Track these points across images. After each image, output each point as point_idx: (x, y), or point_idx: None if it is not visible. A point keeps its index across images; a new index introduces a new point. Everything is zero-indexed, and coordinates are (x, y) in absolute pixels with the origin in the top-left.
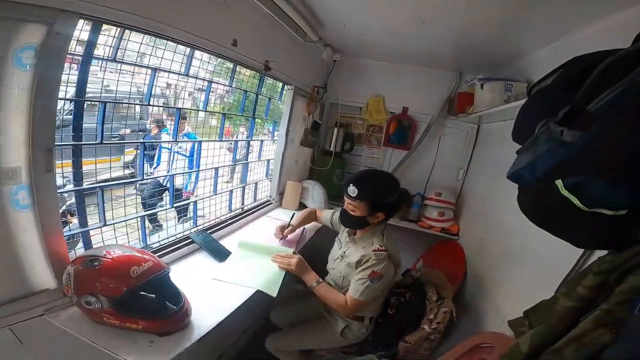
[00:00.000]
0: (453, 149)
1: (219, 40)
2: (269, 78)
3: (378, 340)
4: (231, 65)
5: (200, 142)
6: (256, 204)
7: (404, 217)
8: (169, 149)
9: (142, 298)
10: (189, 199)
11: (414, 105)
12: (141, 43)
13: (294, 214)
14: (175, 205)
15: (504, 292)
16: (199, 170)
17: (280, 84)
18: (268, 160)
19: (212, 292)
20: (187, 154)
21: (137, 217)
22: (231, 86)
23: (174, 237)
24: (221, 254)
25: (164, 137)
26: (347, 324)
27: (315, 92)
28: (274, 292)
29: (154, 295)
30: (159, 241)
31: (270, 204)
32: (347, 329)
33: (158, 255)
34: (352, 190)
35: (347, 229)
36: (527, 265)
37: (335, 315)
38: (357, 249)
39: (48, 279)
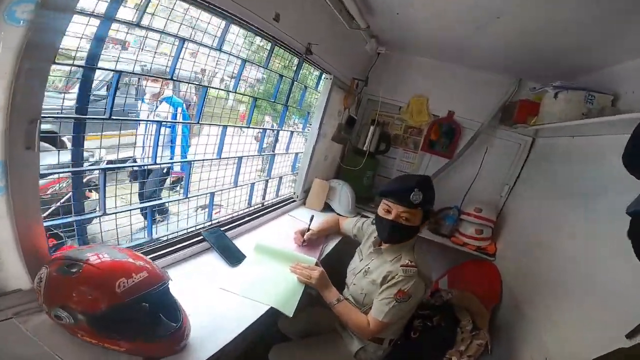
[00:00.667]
0: (500, 162)
1: (260, 12)
2: (304, 68)
3: None
4: (264, 52)
5: (225, 126)
6: (278, 199)
7: (436, 230)
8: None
9: (129, 315)
10: (180, 180)
11: (461, 109)
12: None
13: (312, 216)
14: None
15: (550, 326)
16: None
17: (316, 74)
18: (296, 154)
19: (218, 306)
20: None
21: (138, 208)
22: (266, 67)
23: (184, 232)
24: (234, 258)
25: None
26: (363, 345)
27: (355, 85)
28: (290, 311)
29: (145, 310)
30: (166, 235)
31: (294, 201)
32: (362, 351)
33: (163, 252)
34: (417, 196)
35: (372, 239)
36: (588, 301)
37: (350, 333)
38: (383, 263)
39: (22, 277)
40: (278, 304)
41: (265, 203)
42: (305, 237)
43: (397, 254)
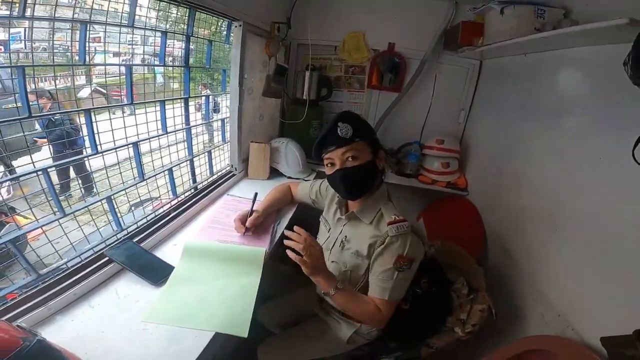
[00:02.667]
0: (451, 89)
1: None
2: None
3: (389, 338)
4: None
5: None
6: (214, 178)
7: (400, 172)
8: None
9: None
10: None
11: (402, 40)
12: None
13: (256, 194)
14: None
15: (547, 273)
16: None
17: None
18: (222, 120)
19: (145, 347)
20: None
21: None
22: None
23: (76, 258)
24: (156, 274)
25: None
26: (355, 329)
27: (276, 30)
28: (243, 331)
29: None
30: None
31: (233, 175)
32: (355, 334)
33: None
34: (345, 128)
35: (336, 202)
36: (579, 237)
37: (336, 318)
38: (361, 228)
39: None
40: (225, 326)
41: (198, 186)
42: (247, 224)
43: (374, 211)
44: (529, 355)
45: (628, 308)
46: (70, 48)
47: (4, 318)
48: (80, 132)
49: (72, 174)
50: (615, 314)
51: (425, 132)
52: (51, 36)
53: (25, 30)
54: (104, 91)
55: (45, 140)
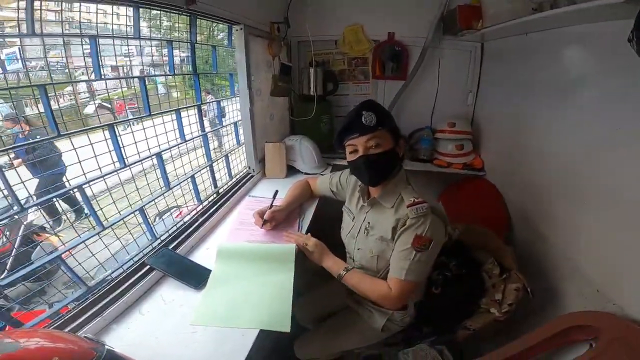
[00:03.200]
0: (456, 72)
1: None
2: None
3: (423, 323)
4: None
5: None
6: (233, 182)
7: (414, 157)
8: None
9: None
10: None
11: (401, 29)
12: None
13: (276, 191)
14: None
15: (581, 247)
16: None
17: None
18: (235, 124)
19: (196, 349)
20: None
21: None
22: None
23: (119, 269)
24: (196, 278)
25: None
26: (388, 317)
27: (276, 30)
28: (286, 325)
29: None
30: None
31: (252, 176)
32: (389, 322)
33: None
34: (369, 117)
35: (358, 191)
36: (606, 207)
37: (369, 308)
38: (384, 213)
39: None
40: (268, 322)
41: (220, 191)
42: (265, 216)
43: (395, 195)
44: (572, 332)
45: None
46: (66, 64)
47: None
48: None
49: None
50: None
51: (436, 117)
52: (62, 51)
53: (19, 50)
54: (109, 106)
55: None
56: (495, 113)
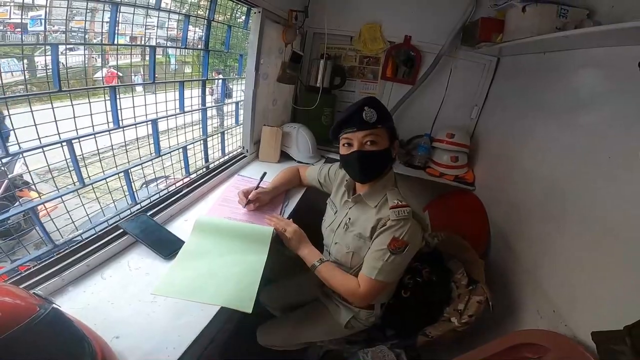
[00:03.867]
0: (466, 84)
1: None
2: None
3: (387, 325)
4: None
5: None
6: (226, 158)
7: (409, 163)
8: None
9: None
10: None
11: (419, 33)
12: None
13: (264, 173)
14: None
15: (547, 269)
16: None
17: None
18: (236, 103)
19: (155, 318)
20: None
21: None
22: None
23: (91, 230)
24: (167, 247)
25: None
26: (353, 314)
27: (294, 18)
28: (248, 306)
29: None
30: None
31: (244, 157)
32: (353, 319)
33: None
34: (370, 113)
35: (344, 185)
36: (584, 234)
37: (336, 303)
38: (366, 210)
39: None
40: (231, 301)
41: (210, 165)
42: (250, 196)
43: (380, 195)
44: (523, 348)
45: (624, 305)
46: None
47: (21, 286)
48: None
49: None
50: (610, 311)
51: (437, 125)
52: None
53: (46, 12)
54: (120, 74)
55: None
56: (495, 130)
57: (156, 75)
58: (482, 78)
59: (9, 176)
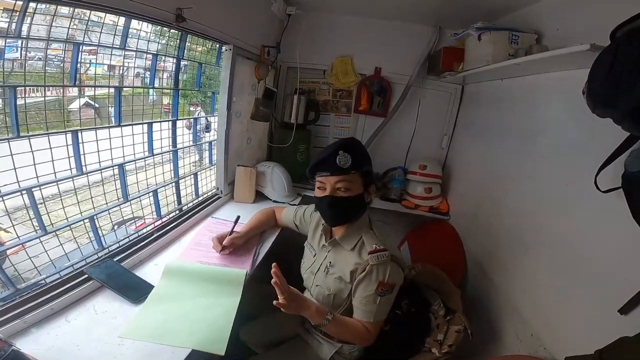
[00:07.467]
0: (435, 114)
1: None
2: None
3: (370, 358)
4: None
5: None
6: (199, 200)
7: (385, 196)
8: None
9: None
10: None
11: (388, 65)
12: None
13: (238, 217)
14: None
15: (522, 293)
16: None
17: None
18: (210, 143)
19: None
20: None
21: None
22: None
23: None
24: (136, 292)
25: None
26: (336, 349)
27: (266, 54)
28: (220, 348)
29: None
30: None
31: (219, 197)
32: (337, 355)
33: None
34: (345, 158)
35: (321, 230)
36: (555, 261)
37: (318, 339)
38: (343, 254)
39: None
40: (203, 344)
41: (183, 208)
42: (225, 242)
43: (355, 238)
44: None
45: (596, 328)
46: (63, 59)
47: None
48: None
49: None
50: (584, 333)
51: (410, 157)
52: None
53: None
54: (96, 105)
55: None
56: (465, 158)
57: (131, 107)
58: (450, 106)
59: None
